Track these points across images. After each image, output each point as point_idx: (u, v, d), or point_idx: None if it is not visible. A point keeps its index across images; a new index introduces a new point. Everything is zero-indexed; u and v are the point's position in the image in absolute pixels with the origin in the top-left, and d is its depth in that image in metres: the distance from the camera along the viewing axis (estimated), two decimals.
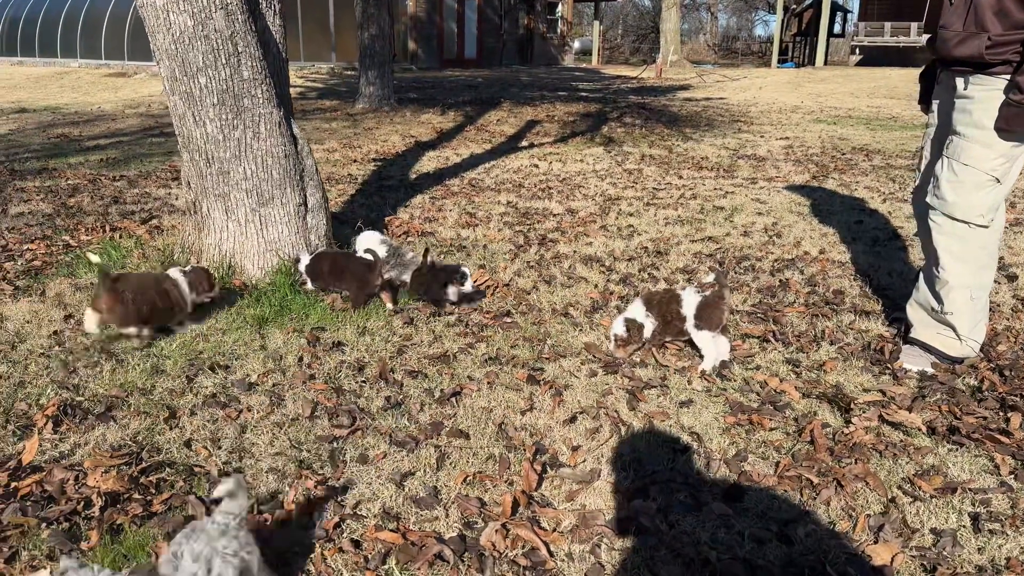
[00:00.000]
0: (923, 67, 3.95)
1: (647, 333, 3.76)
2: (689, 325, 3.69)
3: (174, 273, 3.99)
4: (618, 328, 3.76)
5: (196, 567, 1.78)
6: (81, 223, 6.24)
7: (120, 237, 5.58)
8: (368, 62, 14.95)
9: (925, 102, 3.92)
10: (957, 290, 3.62)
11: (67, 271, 4.84)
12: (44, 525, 2.39)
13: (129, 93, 19.99)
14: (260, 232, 4.56)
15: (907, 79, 21.53)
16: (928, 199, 3.66)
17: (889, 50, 28.81)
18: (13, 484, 2.60)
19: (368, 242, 4.72)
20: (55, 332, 3.95)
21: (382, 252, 4.58)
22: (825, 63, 29.90)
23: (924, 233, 3.80)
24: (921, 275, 3.87)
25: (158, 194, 7.52)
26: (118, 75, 24.41)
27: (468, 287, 4.38)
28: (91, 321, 3.78)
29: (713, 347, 3.64)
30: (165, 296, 3.86)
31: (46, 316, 4.15)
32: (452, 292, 4.35)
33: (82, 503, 2.50)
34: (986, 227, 3.52)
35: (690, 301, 3.69)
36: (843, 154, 9.95)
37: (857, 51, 31.01)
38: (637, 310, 3.79)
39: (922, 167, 3.91)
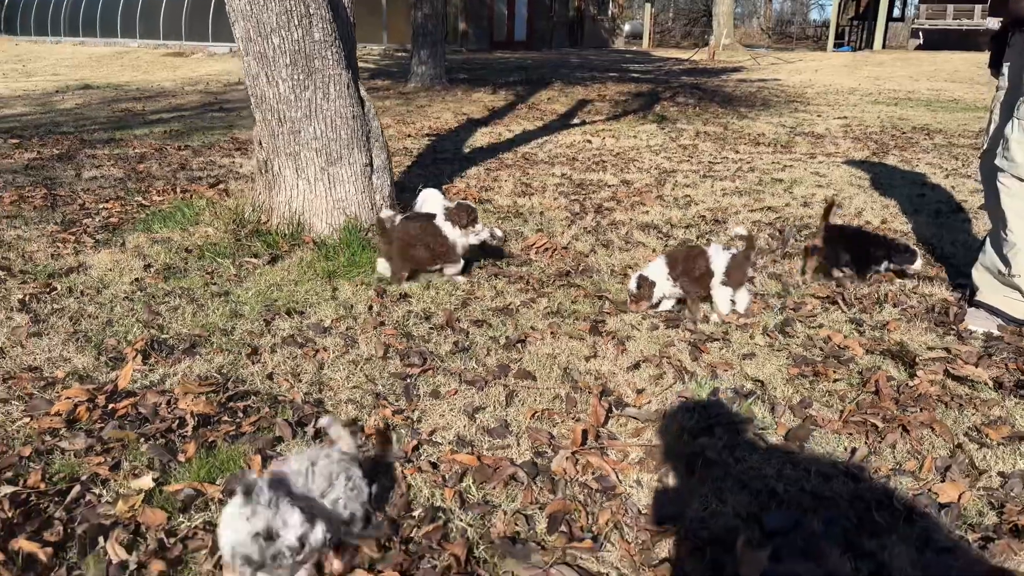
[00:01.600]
0: (995, 31, 3.90)
1: (660, 291, 3.79)
2: (715, 281, 3.74)
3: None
4: (631, 284, 3.84)
5: (324, 478, 1.94)
6: (152, 186, 6.48)
7: (191, 197, 5.79)
8: (420, 41, 15.07)
9: (995, 65, 3.88)
10: None
11: (144, 227, 5.05)
12: (142, 440, 2.56)
13: (187, 72, 20.46)
14: (329, 191, 4.70)
15: (969, 63, 20.89)
16: (997, 161, 3.62)
17: (951, 33, 27.96)
18: (111, 406, 2.77)
19: (429, 198, 4.84)
20: (136, 279, 4.14)
21: (440, 210, 4.73)
22: (883, 47, 29.14)
23: (991, 196, 3.77)
24: (988, 238, 3.83)
25: (222, 162, 7.75)
26: (176, 55, 24.97)
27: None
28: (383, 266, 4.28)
29: (727, 302, 3.74)
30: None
31: (127, 265, 4.35)
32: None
33: (176, 422, 2.65)
34: None
35: (719, 259, 3.73)
36: (903, 133, 9.77)
37: (917, 35, 30.19)
38: (654, 268, 3.82)
39: (990, 130, 3.87)
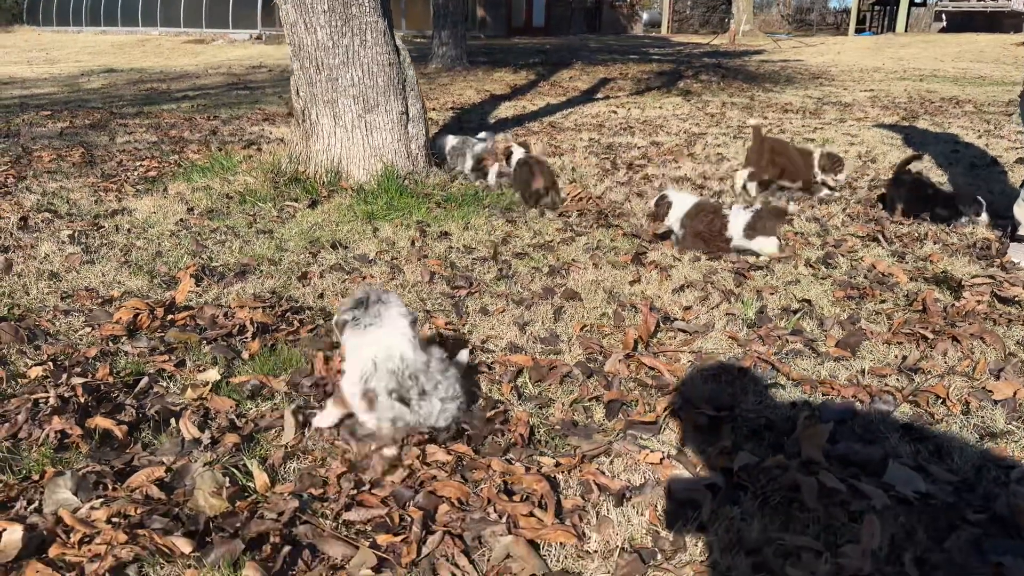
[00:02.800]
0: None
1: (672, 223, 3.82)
2: (740, 240, 3.66)
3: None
4: (651, 203, 4.02)
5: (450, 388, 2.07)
6: (186, 147, 6.55)
7: (227, 154, 5.85)
8: (441, 22, 15.09)
9: None
10: None
11: (184, 177, 5.12)
12: (205, 343, 2.61)
13: (208, 58, 20.58)
14: (366, 138, 4.74)
15: (995, 44, 20.63)
16: None
17: (975, 15, 27.56)
18: (170, 317, 2.82)
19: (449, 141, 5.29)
20: (181, 220, 4.21)
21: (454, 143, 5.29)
22: (905, 31, 28.81)
23: None
24: None
25: (252, 130, 7.81)
26: (196, 42, 25.14)
27: None
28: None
29: (772, 245, 3.66)
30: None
31: (170, 209, 4.42)
32: None
33: (236, 328, 2.71)
34: None
35: (737, 221, 3.65)
36: (932, 103, 9.69)
37: (941, 17, 29.81)
38: (675, 211, 3.83)
39: None
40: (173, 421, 2.14)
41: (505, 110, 9.83)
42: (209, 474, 1.84)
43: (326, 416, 2.08)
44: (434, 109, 9.87)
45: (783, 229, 3.74)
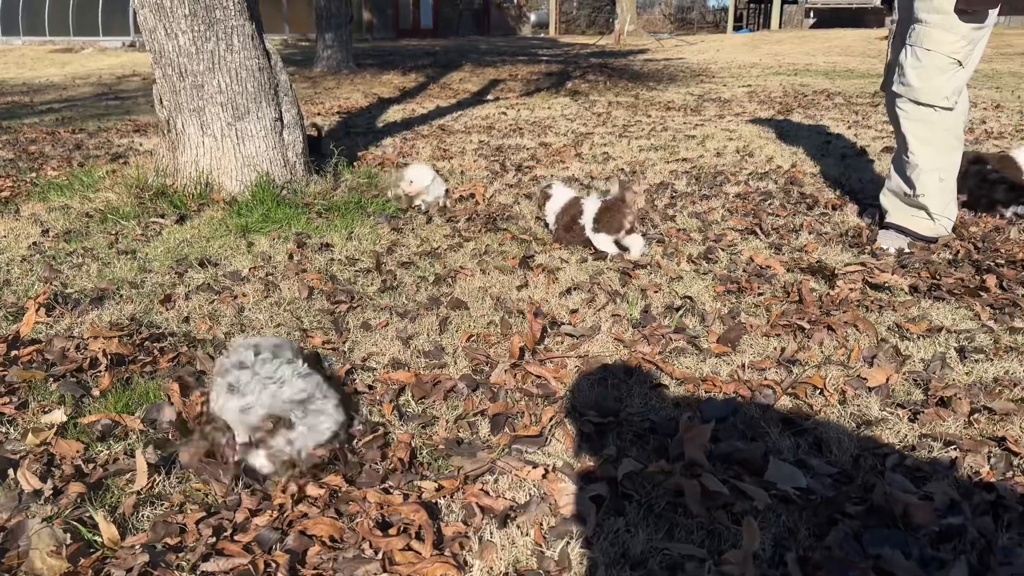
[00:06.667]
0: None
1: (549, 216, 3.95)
2: (588, 230, 3.72)
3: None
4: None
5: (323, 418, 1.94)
6: (45, 163, 6.09)
7: (89, 170, 5.46)
8: (324, 24, 14.73)
9: (887, 1, 4.05)
10: (927, 173, 3.75)
11: (39, 196, 4.73)
12: (51, 380, 2.38)
13: (77, 68, 19.39)
14: (237, 147, 4.51)
15: (861, 39, 21.85)
16: (894, 87, 3.77)
17: (842, 12, 29.19)
18: (13, 352, 2.56)
19: (417, 173, 4.56)
20: (34, 243, 3.87)
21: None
22: (780, 28, 30.20)
23: (893, 121, 3.92)
24: (892, 164, 3.99)
25: (121, 142, 7.36)
26: (64, 51, 23.66)
27: None
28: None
29: (613, 247, 3.68)
30: None
31: (23, 231, 4.07)
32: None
33: (88, 362, 2.48)
34: (950, 110, 3.64)
35: (589, 208, 3.73)
36: (805, 96, 10.13)
37: (811, 14, 31.43)
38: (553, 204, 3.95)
39: (888, 63, 4.02)
40: (11, 472, 1.92)
41: (393, 113, 9.66)
42: (48, 531, 1.65)
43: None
44: (319, 114, 9.60)
45: (628, 220, 3.67)
